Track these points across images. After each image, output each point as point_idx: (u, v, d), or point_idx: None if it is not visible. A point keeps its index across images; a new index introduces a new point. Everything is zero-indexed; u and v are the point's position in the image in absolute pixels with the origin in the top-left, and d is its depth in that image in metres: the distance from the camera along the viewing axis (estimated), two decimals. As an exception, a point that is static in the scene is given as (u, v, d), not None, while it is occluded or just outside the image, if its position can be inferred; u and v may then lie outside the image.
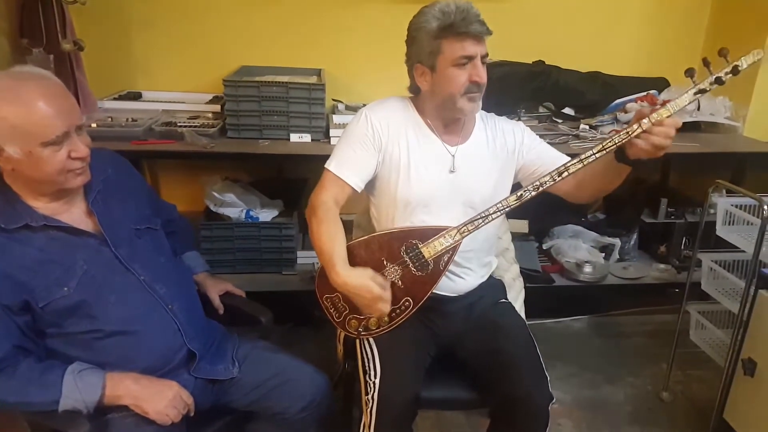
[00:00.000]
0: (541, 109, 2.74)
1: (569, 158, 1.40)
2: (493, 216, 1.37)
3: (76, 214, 1.27)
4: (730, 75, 1.24)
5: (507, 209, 1.37)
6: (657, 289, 2.62)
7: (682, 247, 2.72)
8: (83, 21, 2.27)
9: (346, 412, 1.82)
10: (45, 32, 2.06)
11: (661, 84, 2.79)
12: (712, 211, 2.02)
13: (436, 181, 1.48)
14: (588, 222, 2.83)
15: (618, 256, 2.73)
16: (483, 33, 1.35)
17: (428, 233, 1.40)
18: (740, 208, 1.89)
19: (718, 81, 1.25)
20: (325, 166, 1.47)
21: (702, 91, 1.26)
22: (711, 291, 2.00)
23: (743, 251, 1.86)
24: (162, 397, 1.25)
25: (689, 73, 1.27)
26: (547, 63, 2.69)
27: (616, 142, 1.28)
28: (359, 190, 1.47)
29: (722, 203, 1.93)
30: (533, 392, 1.38)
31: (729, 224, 1.94)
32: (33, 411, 1.23)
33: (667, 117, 1.24)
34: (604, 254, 2.69)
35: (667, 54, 2.84)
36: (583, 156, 1.32)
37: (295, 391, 1.43)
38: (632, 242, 2.76)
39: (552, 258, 2.69)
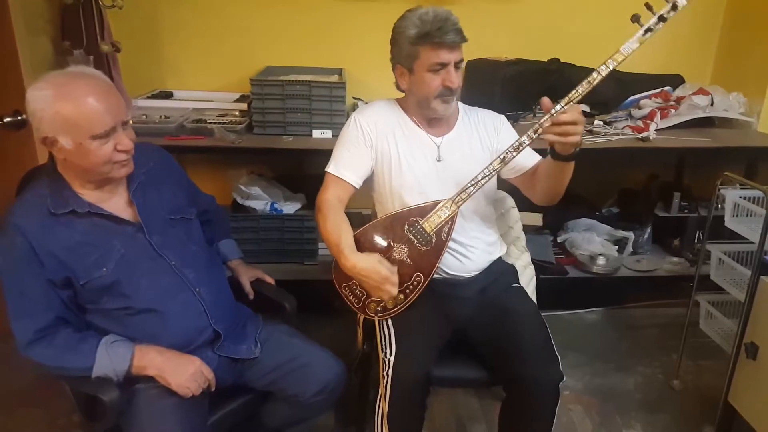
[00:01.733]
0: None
1: (539, 156, 1.54)
2: (482, 181, 1.47)
3: (117, 203, 1.38)
4: (672, 12, 1.32)
5: (494, 173, 1.46)
6: (670, 282, 2.67)
7: (696, 240, 2.75)
8: (119, 24, 2.39)
9: (363, 394, 1.92)
10: (85, 35, 2.18)
11: (676, 81, 2.82)
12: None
13: (425, 170, 1.59)
14: (602, 216, 2.88)
15: (632, 250, 2.77)
16: (457, 42, 1.45)
17: (426, 209, 1.51)
18: (750, 200, 1.93)
19: (661, 19, 1.32)
20: (326, 169, 1.59)
21: (649, 30, 1.33)
22: (720, 281, 2.04)
23: (752, 242, 1.89)
24: (184, 371, 1.35)
25: (635, 18, 1.34)
26: (561, 61, 2.73)
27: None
28: (358, 187, 1.59)
29: (730, 195, 1.97)
30: (543, 371, 1.45)
31: (739, 216, 1.98)
32: (69, 376, 1.34)
33: (569, 107, 1.32)
34: (617, 247, 2.74)
35: (681, 51, 2.87)
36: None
37: (312, 375, 1.50)
38: (646, 236, 2.80)
39: (566, 251, 2.75)
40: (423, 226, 1.50)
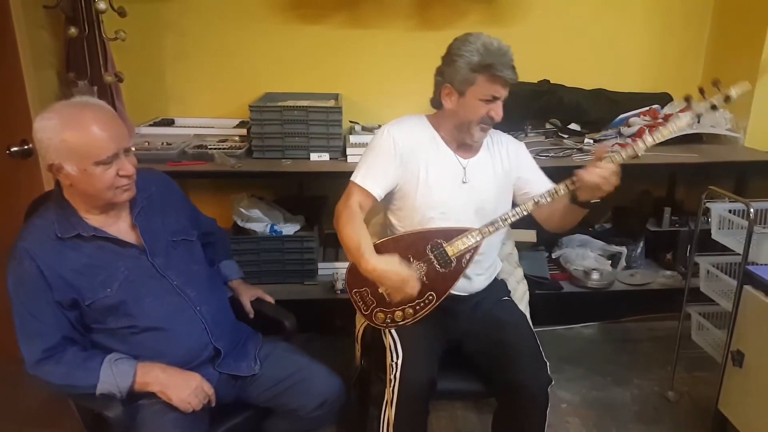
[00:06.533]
0: (547, 125, 2.87)
1: (554, 184, 1.58)
2: (512, 219, 1.54)
3: (121, 227, 1.45)
4: (724, 102, 1.42)
5: (525, 213, 1.54)
6: (663, 295, 2.70)
7: (687, 254, 2.79)
8: (122, 55, 2.46)
9: (363, 409, 1.95)
10: (89, 66, 2.25)
11: (664, 99, 2.88)
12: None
13: (451, 191, 1.62)
14: (595, 232, 2.93)
15: (625, 264, 2.81)
16: (514, 80, 1.51)
17: (452, 233, 1.55)
18: (735, 213, 1.98)
19: (714, 108, 1.42)
20: (351, 178, 1.61)
21: (699, 116, 1.44)
22: (709, 292, 2.09)
23: (738, 254, 1.94)
24: (185, 387, 1.39)
25: (688, 100, 1.44)
26: (552, 82, 2.81)
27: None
28: (380, 199, 1.61)
29: (716, 209, 2.02)
30: (532, 376, 1.51)
31: (725, 228, 2.03)
32: (75, 393, 1.39)
33: (606, 162, 1.41)
34: (611, 262, 2.78)
35: (669, 70, 2.95)
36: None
37: (311, 390, 1.54)
38: (639, 250, 2.84)
39: (561, 266, 2.80)
40: (446, 249, 1.54)
